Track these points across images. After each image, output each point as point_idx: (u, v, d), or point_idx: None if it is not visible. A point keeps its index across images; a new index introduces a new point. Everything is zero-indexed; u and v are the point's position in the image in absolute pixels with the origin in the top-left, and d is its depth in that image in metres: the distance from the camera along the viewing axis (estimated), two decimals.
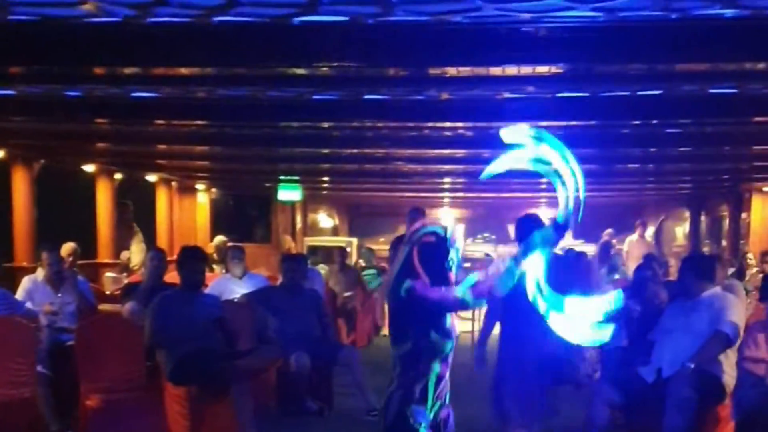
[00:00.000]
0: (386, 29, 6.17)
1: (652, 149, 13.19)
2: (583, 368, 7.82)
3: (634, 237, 20.22)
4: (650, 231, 21.33)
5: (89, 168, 14.78)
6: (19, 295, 9.23)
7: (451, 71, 7.51)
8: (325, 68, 7.11)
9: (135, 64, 7.04)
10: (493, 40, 6.44)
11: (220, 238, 17.50)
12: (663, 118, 9.99)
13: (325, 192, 23.47)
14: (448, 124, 10.66)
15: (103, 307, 10.15)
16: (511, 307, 6.39)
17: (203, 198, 20.29)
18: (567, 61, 6.86)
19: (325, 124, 10.66)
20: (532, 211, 11.66)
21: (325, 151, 13.64)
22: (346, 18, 5.94)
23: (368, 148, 13.06)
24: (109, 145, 13.36)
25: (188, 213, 19.49)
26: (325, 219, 27.11)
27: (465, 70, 7.46)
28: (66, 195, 16.40)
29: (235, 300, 9.94)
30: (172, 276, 9.32)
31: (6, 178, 12.78)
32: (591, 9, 5.65)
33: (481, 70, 7.47)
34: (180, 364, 7.80)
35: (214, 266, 16.05)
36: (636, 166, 15.63)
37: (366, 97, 9.00)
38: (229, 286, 10.57)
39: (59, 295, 9.30)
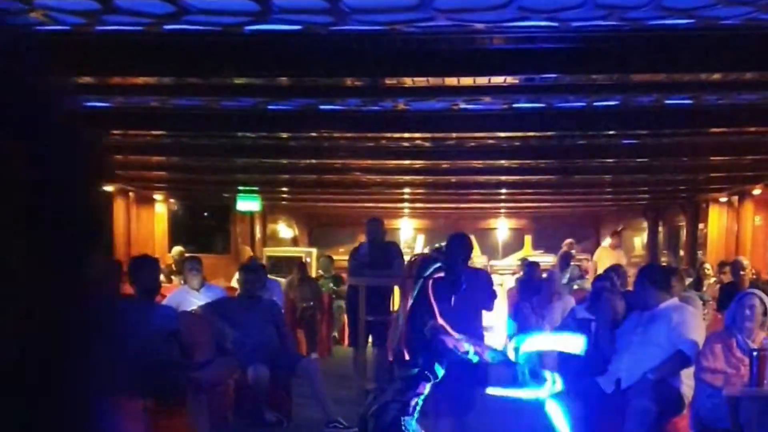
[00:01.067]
0: (340, 39, 6.14)
1: (609, 160, 13.25)
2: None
3: (604, 246, 20.30)
4: (609, 241, 21.39)
5: None
6: None
7: (407, 81, 7.50)
8: (280, 78, 7.07)
9: (88, 73, 6.99)
10: (448, 51, 6.45)
11: (177, 249, 17.41)
12: (619, 129, 10.05)
13: (284, 202, 23.39)
14: (405, 135, 10.65)
15: None
16: None
17: (161, 208, 20.14)
18: (522, 72, 6.88)
19: (283, 135, 10.63)
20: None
21: (283, 161, 13.61)
22: (299, 27, 5.90)
23: (326, 159, 13.03)
24: None
25: (146, 224, 19.32)
26: (284, 229, 27.00)
27: (420, 81, 7.46)
28: None
29: (192, 311, 9.84)
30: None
31: None
32: (544, 19, 5.65)
33: (436, 81, 7.46)
34: (135, 377, 7.70)
35: (173, 277, 15.98)
36: (593, 176, 15.71)
37: (322, 107, 8.96)
38: (187, 297, 10.49)
39: None
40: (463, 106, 8.90)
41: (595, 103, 8.92)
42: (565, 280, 14.99)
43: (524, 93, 8.41)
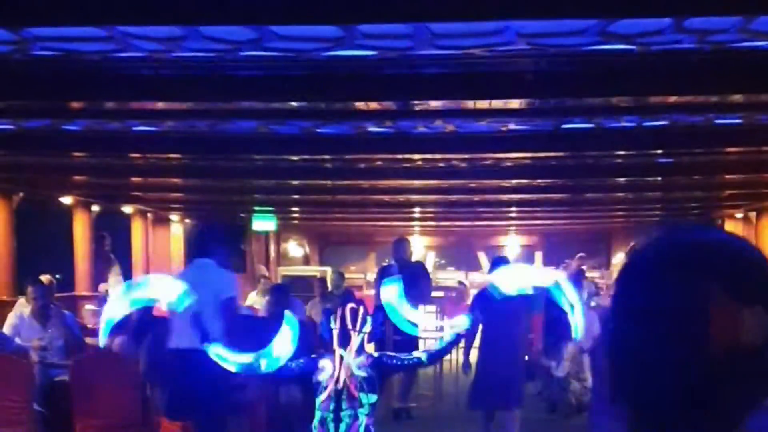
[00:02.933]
0: (347, 63, 6.22)
1: (622, 179, 13.31)
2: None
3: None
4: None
5: (67, 200, 14.76)
6: (6, 330, 9.19)
7: (432, 104, 7.61)
8: (291, 102, 7.20)
9: (111, 98, 7.16)
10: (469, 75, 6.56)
11: None
12: (634, 149, 10.12)
13: (295, 222, 23.50)
14: (417, 156, 10.77)
15: (91, 341, 10.14)
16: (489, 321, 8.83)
17: (177, 229, 20.30)
18: (540, 96, 7.00)
19: (294, 157, 10.77)
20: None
21: (295, 182, 13.72)
22: (293, 54, 5.99)
23: (337, 179, 13.13)
24: (87, 177, 13.37)
25: (162, 244, 19.49)
26: (294, 248, 27.11)
27: (436, 104, 7.57)
28: (43, 227, 16.36)
29: None
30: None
31: None
32: (560, 46, 5.75)
33: (452, 104, 7.55)
34: (175, 399, 7.81)
35: None
36: (605, 194, 15.79)
37: (329, 130, 9.07)
38: None
39: (49, 330, 9.25)
40: (470, 126, 8.96)
41: (609, 124, 8.97)
42: (584, 298, 15.04)
43: (541, 115, 8.43)
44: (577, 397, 10.99)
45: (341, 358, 5.76)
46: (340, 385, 5.70)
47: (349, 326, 5.79)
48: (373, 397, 5.75)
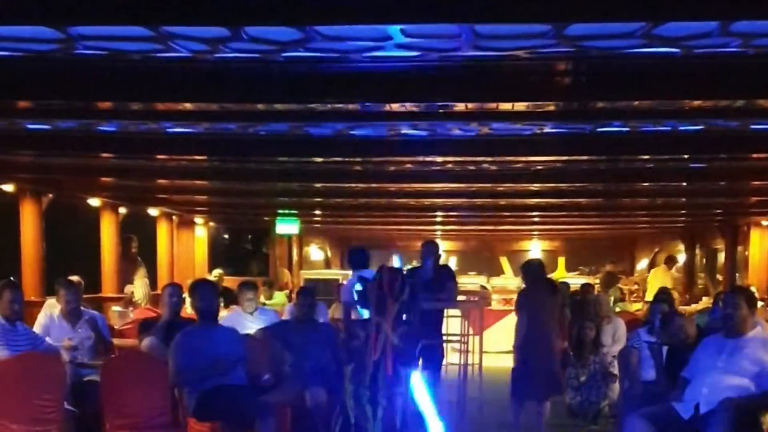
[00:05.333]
0: (384, 63, 6.21)
1: (650, 184, 13.27)
2: None
3: (659, 268, 20.28)
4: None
5: (94, 202, 14.81)
6: (37, 330, 9.22)
7: (460, 107, 7.59)
8: (316, 103, 7.19)
9: (140, 99, 7.19)
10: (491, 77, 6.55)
11: (217, 271, 17.59)
12: (667, 153, 10.08)
13: (317, 225, 23.51)
14: (448, 159, 10.74)
15: (119, 342, 10.18)
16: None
17: (201, 231, 20.36)
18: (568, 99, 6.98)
19: (318, 159, 10.76)
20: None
21: (319, 185, 13.72)
22: (337, 55, 5.98)
23: (366, 182, 13.10)
24: (115, 179, 13.41)
25: (186, 246, 19.54)
26: (315, 252, 27.14)
27: (471, 106, 7.54)
28: (71, 229, 16.42)
29: (251, 335, 9.93)
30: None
31: (15, 211, 12.79)
32: (576, 46, 5.72)
33: (488, 106, 7.53)
34: (204, 400, 7.81)
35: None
36: (630, 200, 15.76)
37: (354, 132, 9.05)
38: (242, 321, 10.55)
39: (79, 330, 9.28)
40: (490, 130, 8.94)
41: (645, 128, 8.92)
42: (611, 299, 15.03)
43: (577, 118, 8.40)
44: (605, 403, 10.97)
45: (378, 325, 5.48)
46: (377, 355, 5.44)
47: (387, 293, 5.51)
48: (411, 370, 5.53)
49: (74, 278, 11.24)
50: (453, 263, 25.62)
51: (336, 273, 22.17)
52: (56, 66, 6.33)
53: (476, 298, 17.82)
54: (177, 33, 5.20)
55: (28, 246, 12.75)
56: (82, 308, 9.62)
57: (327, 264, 26.91)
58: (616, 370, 10.66)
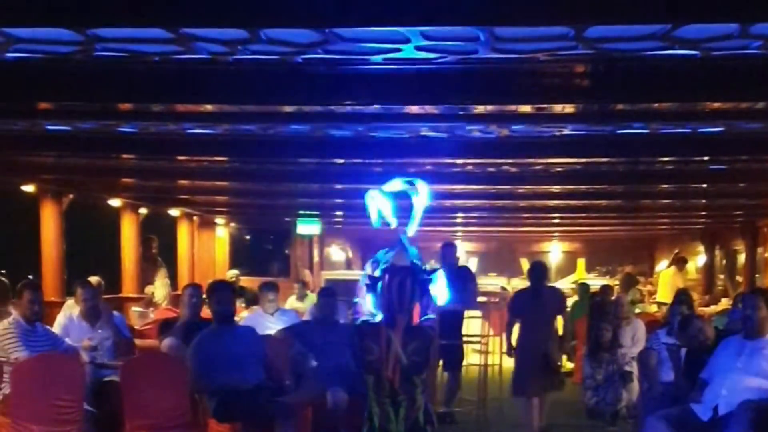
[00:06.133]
0: (403, 65, 6.20)
1: (670, 185, 13.24)
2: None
3: (671, 269, 20.19)
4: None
5: (115, 202, 14.87)
6: (56, 330, 9.23)
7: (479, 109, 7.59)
8: (337, 105, 7.19)
9: (160, 101, 7.21)
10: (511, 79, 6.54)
11: (232, 272, 17.66)
12: (682, 155, 10.05)
13: (339, 226, 23.52)
14: (458, 161, 10.74)
15: (138, 342, 10.20)
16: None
17: (222, 232, 20.41)
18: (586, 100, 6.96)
19: (339, 161, 10.78)
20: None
21: (339, 186, 13.74)
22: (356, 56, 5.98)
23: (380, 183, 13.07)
24: (136, 179, 13.45)
25: (207, 247, 19.60)
26: (336, 252, 27.14)
27: (491, 108, 7.53)
28: (91, 229, 16.49)
29: (272, 335, 9.94)
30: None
31: (36, 212, 12.85)
32: (596, 48, 5.70)
33: (508, 108, 7.52)
34: (224, 401, 7.82)
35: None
36: (650, 201, 15.72)
37: (373, 133, 9.06)
38: (262, 321, 10.57)
39: (98, 330, 9.28)
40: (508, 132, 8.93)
41: (666, 130, 8.89)
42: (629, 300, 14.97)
43: (597, 120, 8.37)
44: (622, 404, 10.98)
45: (389, 340, 5.13)
46: (390, 372, 5.11)
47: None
48: (425, 372, 5.29)
49: (94, 279, 11.28)
50: (473, 264, 25.60)
51: (357, 273, 22.10)
52: (76, 67, 6.35)
53: (497, 299, 17.85)
54: (196, 35, 5.22)
55: (48, 247, 12.81)
56: (101, 307, 9.62)
57: (348, 264, 26.90)
58: (634, 372, 10.67)
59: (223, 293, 8.53)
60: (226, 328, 8.26)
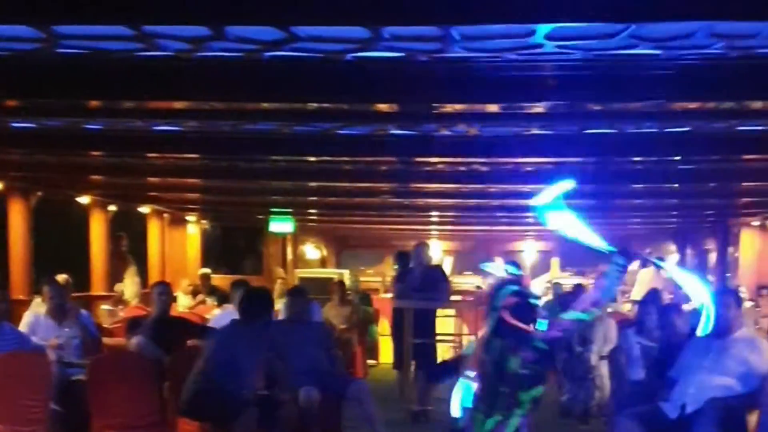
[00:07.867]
0: (372, 65, 6.18)
1: (640, 185, 13.26)
2: None
3: (650, 269, 20.18)
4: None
5: (84, 200, 14.76)
6: (22, 329, 9.16)
7: (447, 108, 7.57)
8: (309, 103, 7.17)
9: (134, 98, 7.15)
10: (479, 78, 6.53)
11: (204, 271, 17.63)
12: (655, 155, 10.07)
13: (313, 224, 23.47)
14: (438, 159, 10.73)
15: (107, 341, 10.14)
16: None
17: (193, 229, 20.32)
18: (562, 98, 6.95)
19: (313, 158, 10.74)
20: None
21: (313, 184, 13.69)
22: (321, 55, 5.96)
23: (357, 182, 13.06)
24: (105, 177, 13.37)
25: (178, 244, 19.51)
26: (310, 251, 27.09)
27: (459, 107, 7.52)
28: (59, 227, 16.38)
29: None
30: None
31: (3, 210, 12.76)
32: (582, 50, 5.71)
33: (477, 107, 7.52)
34: (194, 399, 7.77)
35: (205, 298, 16.20)
36: (623, 201, 15.77)
37: (345, 131, 9.03)
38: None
39: (65, 328, 9.23)
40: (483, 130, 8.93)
41: (631, 129, 8.91)
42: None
43: (564, 119, 8.38)
44: (594, 402, 11.04)
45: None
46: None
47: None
48: (538, 390, 5.03)
49: (61, 277, 11.23)
50: (449, 263, 25.62)
51: (331, 272, 22.12)
52: (41, 64, 6.31)
53: (471, 298, 17.86)
54: (158, 32, 5.18)
55: (16, 245, 12.71)
56: (67, 306, 9.56)
57: (323, 263, 26.86)
58: (605, 370, 10.70)
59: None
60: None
